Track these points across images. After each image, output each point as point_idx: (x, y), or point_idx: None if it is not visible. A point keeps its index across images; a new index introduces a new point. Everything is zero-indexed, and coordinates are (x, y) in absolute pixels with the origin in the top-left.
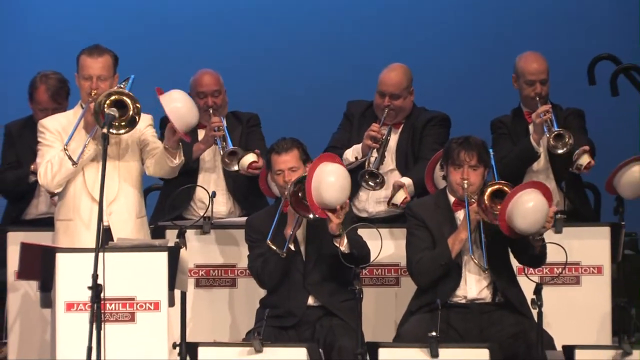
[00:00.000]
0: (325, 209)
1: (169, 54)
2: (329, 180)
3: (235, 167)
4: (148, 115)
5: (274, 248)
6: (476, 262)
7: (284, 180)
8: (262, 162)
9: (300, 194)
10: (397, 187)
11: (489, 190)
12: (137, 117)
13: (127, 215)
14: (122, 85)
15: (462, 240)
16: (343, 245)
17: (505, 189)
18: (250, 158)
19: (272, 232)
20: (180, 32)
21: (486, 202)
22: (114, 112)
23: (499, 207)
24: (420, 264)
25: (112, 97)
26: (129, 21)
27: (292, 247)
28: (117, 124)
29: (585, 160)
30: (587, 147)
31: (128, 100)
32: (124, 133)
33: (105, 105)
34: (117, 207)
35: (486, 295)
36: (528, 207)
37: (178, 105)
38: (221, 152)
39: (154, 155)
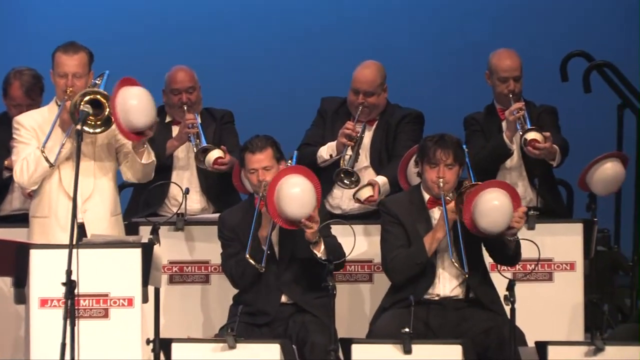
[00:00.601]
0: (288, 222)
1: (160, 53)
2: (290, 194)
3: (206, 166)
4: None
5: (253, 263)
6: (457, 266)
7: (258, 180)
8: (228, 158)
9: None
10: (368, 183)
11: (467, 191)
12: (112, 119)
13: (102, 214)
14: (97, 82)
15: (439, 239)
16: (320, 252)
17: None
18: (216, 154)
19: (251, 238)
20: (171, 32)
21: (464, 202)
22: (88, 108)
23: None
24: (395, 261)
25: (88, 97)
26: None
27: (266, 249)
28: (92, 123)
29: (530, 135)
30: (547, 134)
31: (104, 100)
32: (100, 132)
33: (81, 105)
34: (92, 205)
35: (459, 292)
36: (489, 206)
37: (134, 103)
38: (194, 149)
39: (128, 160)
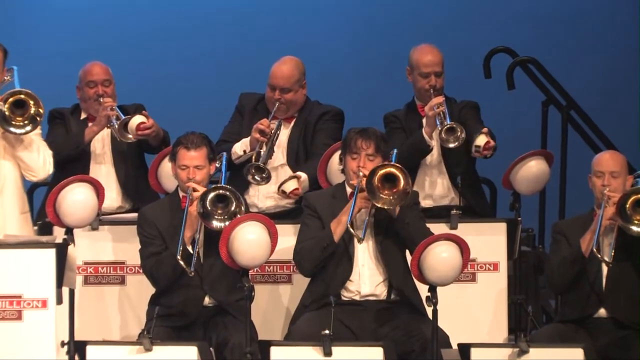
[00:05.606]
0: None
1: (78, 49)
2: (243, 245)
3: (131, 137)
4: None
5: (184, 266)
6: (354, 233)
7: (188, 177)
8: (151, 122)
9: (206, 208)
10: (293, 176)
11: (380, 172)
12: (37, 118)
13: (12, 211)
14: (7, 78)
15: (344, 222)
16: None
17: (395, 171)
18: (137, 119)
19: (181, 240)
20: (91, 28)
21: (376, 183)
22: None
23: (386, 191)
24: (303, 249)
25: (13, 98)
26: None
27: (194, 252)
28: (20, 123)
29: (481, 140)
30: (485, 129)
31: (27, 99)
32: (29, 131)
33: (6, 107)
34: (2, 202)
35: (381, 291)
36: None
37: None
38: (116, 125)
39: None
